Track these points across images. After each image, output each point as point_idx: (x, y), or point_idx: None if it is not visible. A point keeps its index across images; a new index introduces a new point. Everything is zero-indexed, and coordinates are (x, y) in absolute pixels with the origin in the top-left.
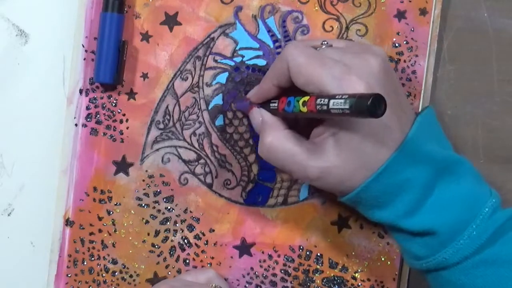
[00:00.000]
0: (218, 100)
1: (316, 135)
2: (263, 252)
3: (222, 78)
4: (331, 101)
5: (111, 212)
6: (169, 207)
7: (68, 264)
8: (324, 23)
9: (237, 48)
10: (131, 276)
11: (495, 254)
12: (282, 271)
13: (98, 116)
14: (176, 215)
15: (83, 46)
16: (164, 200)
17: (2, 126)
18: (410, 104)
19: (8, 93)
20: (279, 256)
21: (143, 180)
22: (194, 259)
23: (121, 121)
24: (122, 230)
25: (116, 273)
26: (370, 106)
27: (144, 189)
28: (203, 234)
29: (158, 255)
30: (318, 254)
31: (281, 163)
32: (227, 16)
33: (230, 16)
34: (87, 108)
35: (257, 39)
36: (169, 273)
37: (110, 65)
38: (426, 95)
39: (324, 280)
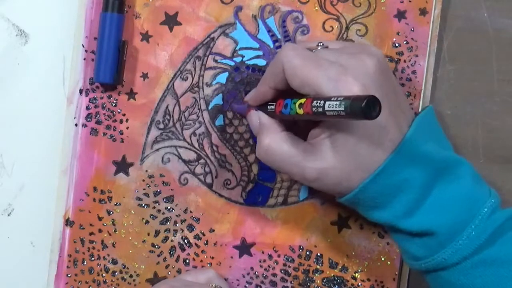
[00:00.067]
0: (218, 100)
1: (313, 136)
2: (263, 252)
3: (222, 78)
4: (327, 103)
5: (111, 212)
6: (169, 207)
7: (68, 264)
8: (324, 23)
9: (237, 48)
10: (131, 276)
11: (494, 254)
12: (282, 271)
13: (98, 116)
14: (176, 215)
15: (83, 46)
16: (164, 200)
17: (2, 126)
18: (410, 104)
19: (8, 93)
20: (279, 256)
21: (143, 180)
22: (194, 259)
23: (121, 121)
24: (122, 230)
25: (116, 273)
26: (364, 108)
27: (144, 189)
28: (203, 234)
29: (158, 255)
30: (318, 254)
31: (279, 165)
32: (227, 16)
33: (230, 16)
34: (87, 108)
35: (257, 39)
36: (169, 273)
37: (110, 65)
38: (426, 95)
39: (324, 280)
